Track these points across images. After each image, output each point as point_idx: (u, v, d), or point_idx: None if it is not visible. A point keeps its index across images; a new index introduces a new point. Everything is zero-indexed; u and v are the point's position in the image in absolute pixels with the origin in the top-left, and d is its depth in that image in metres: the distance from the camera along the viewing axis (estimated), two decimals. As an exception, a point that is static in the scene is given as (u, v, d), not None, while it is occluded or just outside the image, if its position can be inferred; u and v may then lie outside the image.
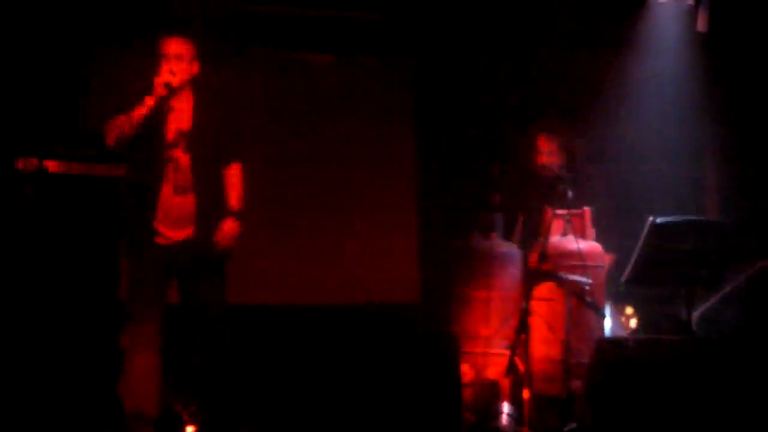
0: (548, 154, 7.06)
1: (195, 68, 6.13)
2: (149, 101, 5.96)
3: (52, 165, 7.23)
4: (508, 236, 7.06)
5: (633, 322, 7.36)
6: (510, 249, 6.96)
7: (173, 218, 6.05)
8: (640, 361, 5.92)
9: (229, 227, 6.12)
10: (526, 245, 6.87)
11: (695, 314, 6.67)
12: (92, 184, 7.25)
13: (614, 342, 6.29)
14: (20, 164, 7.18)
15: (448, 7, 8.06)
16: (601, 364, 5.95)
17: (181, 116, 6.08)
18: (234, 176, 6.20)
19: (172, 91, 5.97)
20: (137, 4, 7.76)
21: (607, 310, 6.81)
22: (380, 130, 8.41)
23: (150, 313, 6.03)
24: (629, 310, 7.36)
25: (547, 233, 6.51)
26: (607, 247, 6.82)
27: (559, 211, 6.64)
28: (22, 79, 7.57)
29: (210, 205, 6.10)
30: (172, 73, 5.96)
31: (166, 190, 6.03)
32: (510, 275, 6.87)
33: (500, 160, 7.56)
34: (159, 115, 5.99)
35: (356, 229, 8.28)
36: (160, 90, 5.93)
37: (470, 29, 8.16)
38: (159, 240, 6.07)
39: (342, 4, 8.15)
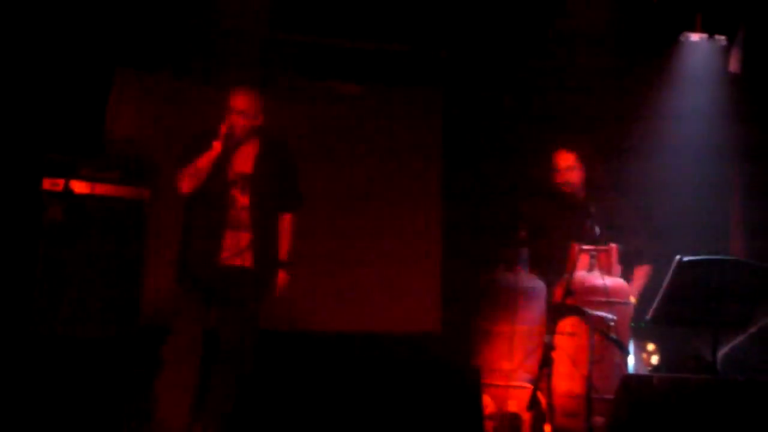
0: (566, 170, 7.02)
1: (259, 120, 6.50)
2: (214, 150, 6.33)
3: (77, 186, 7.26)
4: (533, 270, 7.01)
5: (654, 359, 7.30)
6: (535, 283, 6.92)
7: (224, 250, 6.36)
8: (665, 400, 5.84)
9: (280, 279, 6.52)
10: (552, 280, 6.82)
11: (720, 354, 6.60)
12: (117, 205, 7.29)
13: (639, 379, 6.21)
14: (47, 185, 7.21)
15: (478, 39, 8.05)
16: (626, 401, 5.88)
17: (244, 160, 6.44)
18: (286, 225, 6.58)
19: (235, 141, 6.38)
20: (164, 30, 7.78)
21: (631, 347, 6.74)
22: (407, 160, 8.41)
23: (191, 331, 6.33)
24: (651, 347, 7.31)
25: (573, 268, 6.46)
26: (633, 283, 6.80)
27: (586, 247, 6.59)
28: (49, 100, 7.60)
29: (261, 243, 6.40)
30: (234, 125, 6.36)
31: (221, 225, 6.36)
32: (534, 309, 6.84)
33: (527, 194, 7.54)
34: (222, 155, 6.35)
35: (380, 259, 8.27)
36: (223, 140, 6.34)
37: (500, 61, 8.15)
38: (207, 268, 6.38)
39: (373, 36, 8.14)
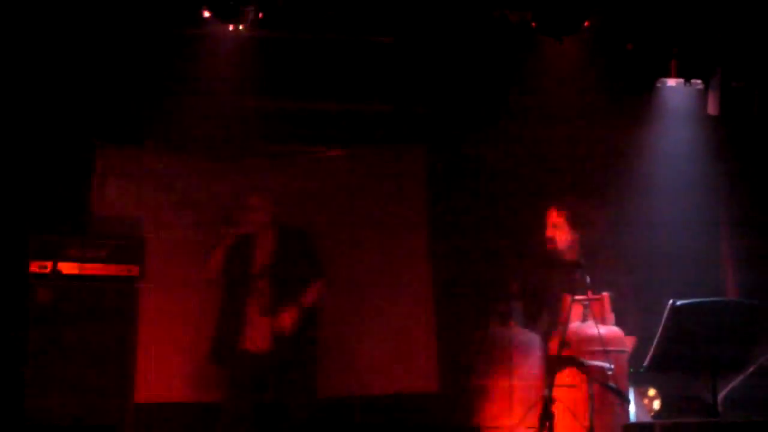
0: (553, 226, 7.04)
1: (270, 216, 7.50)
2: (224, 243, 7.42)
3: (65, 267, 7.24)
4: (527, 324, 6.99)
5: (656, 404, 7.26)
6: (530, 336, 6.89)
7: (260, 333, 7.27)
8: (668, 447, 5.82)
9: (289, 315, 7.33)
10: (547, 333, 6.80)
11: (721, 396, 6.57)
12: (106, 284, 7.27)
13: (640, 427, 6.18)
14: (34, 267, 7.19)
15: (459, 93, 8.08)
16: (628, 451, 5.85)
17: (263, 252, 7.40)
18: (313, 286, 7.46)
19: (251, 234, 7.44)
20: (143, 104, 7.80)
21: (630, 394, 6.71)
22: (394, 218, 8.41)
23: (243, 410, 7.20)
24: (652, 392, 7.27)
25: (566, 320, 6.44)
26: (628, 329, 6.77)
27: (578, 297, 6.58)
28: (31, 182, 7.61)
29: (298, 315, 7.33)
30: (248, 221, 7.39)
31: (252, 311, 7.30)
32: (531, 363, 6.80)
33: (517, 247, 7.54)
34: (242, 249, 7.40)
35: (372, 319, 8.23)
36: (232, 238, 7.43)
37: (480, 113, 8.19)
38: (249, 349, 7.28)
39: (353, 98, 8.18)
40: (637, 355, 6.58)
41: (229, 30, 7.25)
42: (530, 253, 7.21)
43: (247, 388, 7.25)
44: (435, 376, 8.14)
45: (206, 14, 7.10)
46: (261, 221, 7.48)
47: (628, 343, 6.79)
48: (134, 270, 7.34)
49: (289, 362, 7.30)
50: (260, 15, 7.15)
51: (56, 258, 7.27)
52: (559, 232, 7.05)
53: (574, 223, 7.05)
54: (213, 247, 7.45)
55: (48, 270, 7.24)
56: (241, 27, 7.22)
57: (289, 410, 7.28)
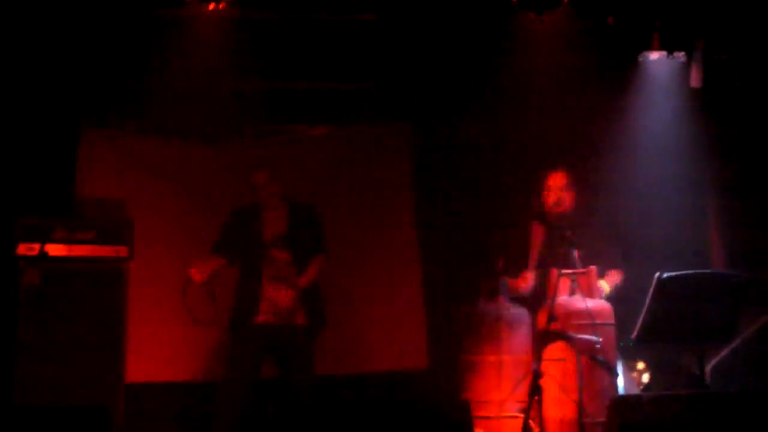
0: (560, 189, 7.04)
1: (276, 188, 7.40)
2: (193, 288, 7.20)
3: (53, 249, 7.24)
4: (514, 298, 7.04)
5: (645, 377, 7.32)
6: (517, 311, 6.94)
7: (269, 304, 7.16)
8: (656, 419, 5.86)
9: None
10: (534, 307, 6.85)
11: (708, 367, 6.63)
12: (94, 266, 7.27)
13: (628, 400, 6.23)
14: (22, 250, 7.18)
15: (441, 67, 8.09)
16: (616, 423, 5.89)
17: (277, 222, 7.33)
18: (314, 263, 7.32)
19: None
20: (127, 86, 7.79)
21: (619, 367, 6.76)
22: (380, 197, 8.41)
23: (245, 382, 7.11)
24: (641, 365, 7.33)
25: (554, 294, 6.49)
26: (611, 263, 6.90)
27: (565, 271, 6.62)
28: (17, 164, 7.59)
29: (305, 295, 7.24)
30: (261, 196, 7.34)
31: (264, 281, 7.20)
32: (519, 338, 6.86)
33: (504, 222, 7.57)
34: (257, 221, 7.34)
35: (360, 298, 8.24)
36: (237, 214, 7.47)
37: (463, 87, 8.20)
38: (258, 320, 7.17)
39: (337, 76, 8.18)
40: (624, 328, 6.64)
41: (209, 9, 7.25)
42: (518, 227, 7.24)
43: (249, 364, 7.16)
44: (424, 352, 8.16)
45: (187, -6, 7.09)
46: (272, 197, 7.39)
47: (614, 276, 6.82)
48: (123, 251, 7.33)
49: (295, 336, 7.20)
50: (240, -6, 7.15)
51: (44, 240, 7.25)
52: (565, 194, 7.05)
53: (577, 185, 7.08)
54: (183, 291, 7.15)
55: (36, 252, 7.22)
56: (220, 6, 7.22)
57: (293, 387, 7.20)
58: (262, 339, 7.15)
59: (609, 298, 6.75)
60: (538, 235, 6.94)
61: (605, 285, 6.82)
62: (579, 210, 7.04)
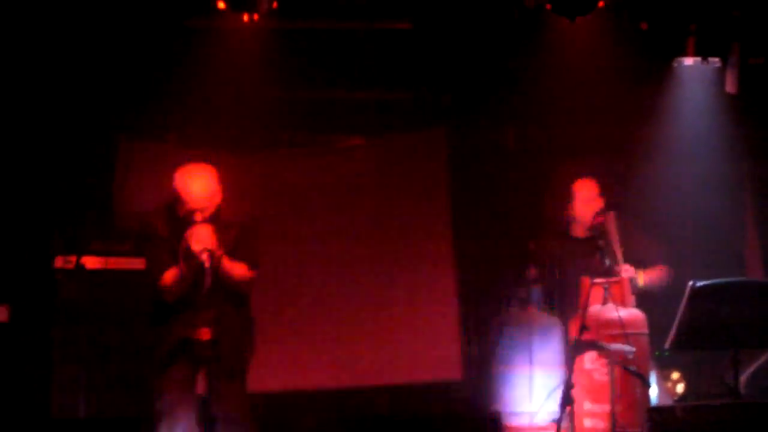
0: (588, 200, 6.97)
1: (219, 197, 6.12)
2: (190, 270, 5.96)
3: (90, 261, 7.30)
4: (546, 308, 6.98)
5: (680, 387, 7.23)
6: (549, 321, 6.89)
7: (202, 321, 6.01)
8: (689, 429, 5.79)
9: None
10: (566, 316, 6.79)
11: (743, 377, 6.54)
12: (130, 278, 7.32)
13: (662, 411, 6.16)
14: (59, 263, 7.26)
15: (476, 74, 8.07)
16: (650, 435, 5.84)
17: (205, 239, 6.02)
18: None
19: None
20: (165, 97, 7.85)
21: (653, 377, 6.69)
22: (416, 205, 8.38)
23: (185, 404, 6.03)
24: (675, 375, 7.25)
25: (586, 303, 6.42)
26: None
27: (597, 280, 6.56)
28: (55, 177, 7.67)
29: (227, 316, 6.10)
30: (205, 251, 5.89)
31: (192, 302, 6.03)
32: (551, 348, 6.80)
33: (537, 230, 7.52)
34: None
35: (396, 308, 8.22)
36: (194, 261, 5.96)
37: (498, 94, 8.17)
38: (189, 337, 6.06)
39: (371, 85, 8.18)
40: (658, 339, 6.56)
41: (243, 21, 7.27)
42: (550, 236, 7.19)
43: (190, 378, 6.06)
44: (459, 364, 8.12)
45: (221, 5, 7.12)
46: (208, 213, 6.12)
47: (662, 273, 6.78)
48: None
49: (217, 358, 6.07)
50: (275, 4, 7.16)
51: (81, 253, 7.31)
52: (592, 206, 6.99)
53: (605, 195, 7.00)
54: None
55: (73, 265, 7.29)
56: (255, 17, 7.24)
57: (214, 412, 5.99)
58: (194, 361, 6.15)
59: (640, 292, 6.66)
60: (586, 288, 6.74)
61: (640, 276, 6.74)
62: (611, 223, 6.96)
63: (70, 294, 7.28)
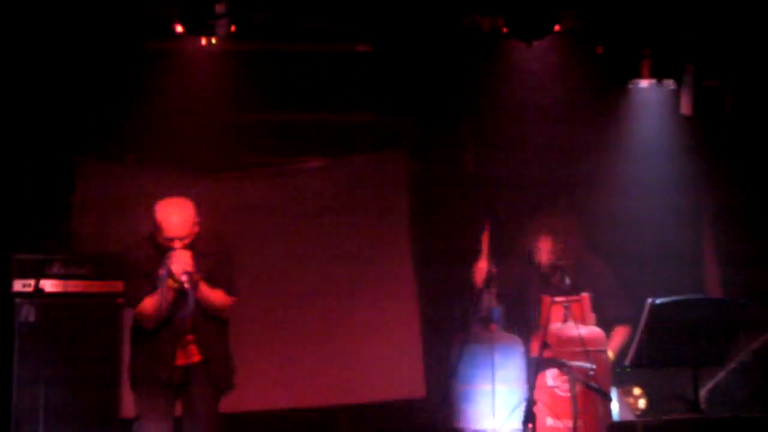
0: (549, 252, 7.02)
1: (197, 228, 6.31)
2: (170, 293, 6.16)
3: (48, 285, 7.25)
4: (507, 327, 7.02)
5: (642, 403, 7.28)
6: (511, 339, 6.93)
7: (180, 349, 6.28)
8: (650, 445, 5.86)
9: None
10: (527, 334, 6.83)
11: (703, 392, 6.61)
12: (89, 301, 7.28)
13: (623, 426, 6.21)
14: (17, 286, 7.20)
15: (435, 97, 8.13)
16: (611, 451, 5.89)
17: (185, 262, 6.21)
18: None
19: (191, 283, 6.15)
20: (122, 118, 7.83)
21: (614, 393, 6.74)
22: (377, 227, 8.44)
23: (160, 426, 6.26)
24: (637, 391, 7.29)
25: (547, 321, 6.47)
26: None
27: (558, 299, 6.61)
28: (12, 200, 7.63)
29: (205, 340, 6.32)
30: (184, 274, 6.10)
31: (170, 329, 6.25)
32: (513, 366, 6.84)
33: (497, 251, 7.55)
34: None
35: (358, 328, 8.26)
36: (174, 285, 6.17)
37: (459, 117, 8.24)
38: (167, 368, 6.27)
39: (331, 107, 8.22)
40: (620, 356, 6.62)
41: (202, 44, 7.29)
42: (510, 256, 7.23)
43: (165, 410, 6.33)
44: (422, 382, 8.15)
45: (179, 29, 7.14)
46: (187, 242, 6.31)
47: (622, 334, 6.80)
48: (118, 286, 7.28)
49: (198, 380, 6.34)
50: (233, 28, 7.19)
51: (39, 276, 7.26)
52: (553, 255, 7.01)
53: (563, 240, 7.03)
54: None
55: (31, 288, 7.24)
56: (213, 41, 7.26)
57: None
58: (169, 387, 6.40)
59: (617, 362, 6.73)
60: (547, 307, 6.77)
61: (610, 354, 6.79)
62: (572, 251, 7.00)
63: (28, 317, 7.21)
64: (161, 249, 6.21)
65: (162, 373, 6.25)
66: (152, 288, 6.17)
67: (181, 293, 6.15)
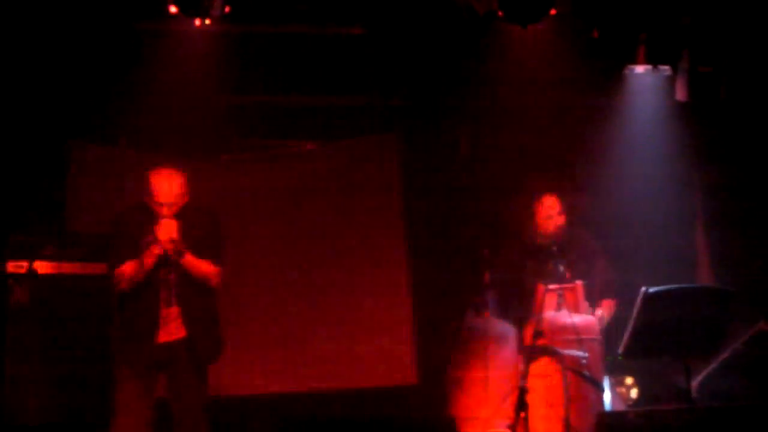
0: (548, 217, 7.00)
1: (186, 198, 6.43)
2: (151, 257, 6.25)
3: (42, 266, 7.25)
4: (501, 314, 7.03)
5: (634, 393, 7.31)
6: (504, 327, 6.94)
7: (163, 324, 6.30)
8: (642, 434, 5.88)
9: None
10: (521, 322, 6.84)
11: (695, 382, 6.63)
12: (83, 283, 7.27)
13: (614, 416, 6.24)
14: (10, 267, 7.20)
15: (430, 82, 8.11)
16: (603, 439, 5.91)
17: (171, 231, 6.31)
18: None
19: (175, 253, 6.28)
20: (117, 100, 7.80)
21: (606, 383, 6.77)
22: (369, 210, 8.40)
23: (141, 405, 6.26)
24: (629, 381, 7.32)
25: (540, 309, 6.49)
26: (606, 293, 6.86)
27: (552, 287, 6.62)
28: (9, 182, 7.60)
29: (191, 313, 6.34)
30: (170, 241, 6.23)
31: (155, 301, 6.31)
32: (506, 353, 6.85)
33: (491, 236, 7.56)
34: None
35: (351, 314, 8.23)
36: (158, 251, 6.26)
37: (451, 100, 8.21)
38: (150, 342, 6.27)
39: (325, 90, 8.19)
40: (613, 344, 6.63)
41: (195, 25, 7.25)
42: (504, 242, 7.24)
43: (149, 388, 6.33)
44: (414, 368, 8.15)
45: (173, 10, 7.09)
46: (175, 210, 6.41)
47: (609, 306, 6.80)
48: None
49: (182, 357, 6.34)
50: (227, 9, 7.14)
51: (33, 257, 7.26)
52: (554, 221, 7.01)
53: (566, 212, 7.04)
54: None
55: (24, 270, 7.24)
56: (207, 22, 7.22)
57: (174, 412, 6.35)
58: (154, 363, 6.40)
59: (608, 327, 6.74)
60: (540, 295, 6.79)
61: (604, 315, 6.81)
62: (567, 228, 7.01)
63: (21, 298, 7.21)
64: (151, 217, 6.31)
65: (141, 352, 6.26)
66: (136, 254, 6.26)
67: (165, 262, 6.26)
